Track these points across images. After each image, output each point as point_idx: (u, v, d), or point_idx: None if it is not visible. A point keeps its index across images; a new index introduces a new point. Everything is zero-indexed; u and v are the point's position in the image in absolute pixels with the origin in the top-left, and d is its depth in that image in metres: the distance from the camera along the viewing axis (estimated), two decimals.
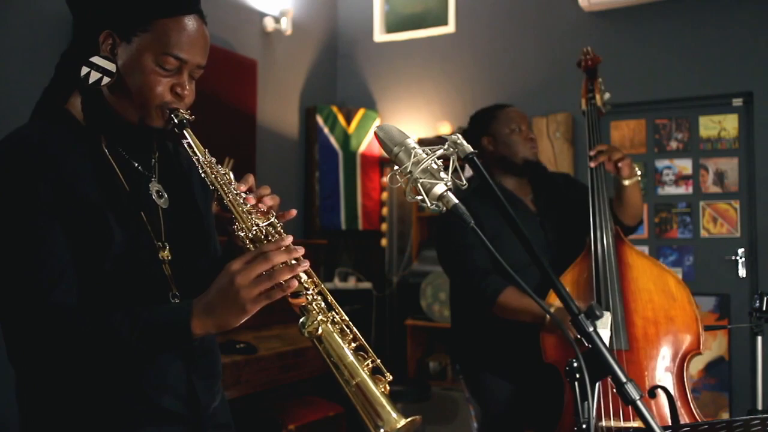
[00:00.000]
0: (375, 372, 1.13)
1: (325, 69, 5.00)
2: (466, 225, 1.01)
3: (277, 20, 4.39)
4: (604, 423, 1.93)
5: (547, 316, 2.04)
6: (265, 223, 1.18)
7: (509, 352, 2.26)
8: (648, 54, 4.11)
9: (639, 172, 2.35)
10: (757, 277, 3.86)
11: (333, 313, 1.15)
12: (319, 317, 1.11)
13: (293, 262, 1.10)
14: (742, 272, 3.94)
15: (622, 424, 1.93)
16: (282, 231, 1.20)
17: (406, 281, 4.63)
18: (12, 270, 1.11)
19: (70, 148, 1.17)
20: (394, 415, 1.07)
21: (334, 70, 5.11)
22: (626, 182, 2.30)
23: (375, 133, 1.13)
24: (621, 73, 4.06)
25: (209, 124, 3.65)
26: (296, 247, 1.12)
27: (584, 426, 0.96)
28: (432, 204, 1.03)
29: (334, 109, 4.76)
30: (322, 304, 1.14)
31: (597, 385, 0.98)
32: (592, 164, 2.26)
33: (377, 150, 4.82)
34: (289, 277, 1.08)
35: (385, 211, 4.86)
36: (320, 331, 1.10)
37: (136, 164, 1.26)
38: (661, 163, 4.20)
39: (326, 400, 3.64)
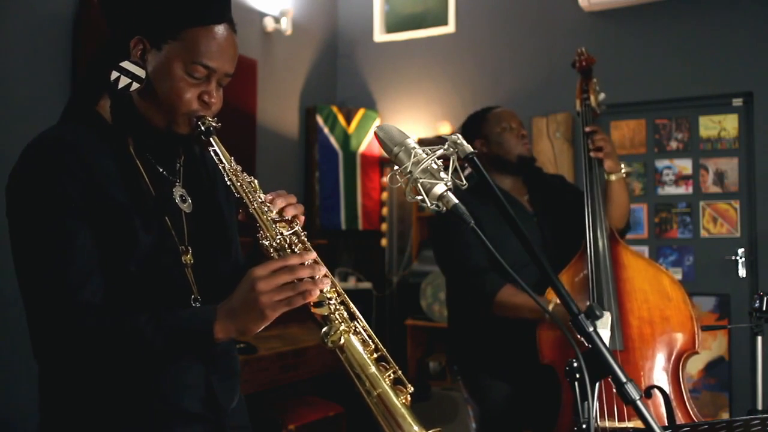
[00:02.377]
0: (396, 383, 1.14)
1: (325, 69, 5.00)
2: (466, 225, 1.01)
3: (277, 20, 4.39)
4: (601, 423, 1.93)
5: (549, 309, 2.04)
6: (289, 232, 1.19)
7: (506, 352, 2.26)
8: (648, 54, 4.11)
9: (624, 169, 2.32)
10: (757, 277, 3.86)
11: (355, 323, 1.16)
12: (342, 327, 1.11)
13: (317, 276, 1.11)
14: (742, 272, 3.94)
15: (617, 424, 1.93)
16: (306, 240, 1.21)
17: (406, 281, 4.63)
18: (41, 267, 1.12)
19: (100, 151, 1.19)
20: (415, 427, 1.08)
21: (334, 70, 5.11)
22: (612, 177, 2.27)
23: (375, 133, 1.13)
24: (621, 73, 4.06)
25: None
26: (320, 263, 1.14)
27: (584, 426, 0.96)
28: (432, 204, 1.03)
29: (334, 109, 4.76)
30: (345, 314, 1.14)
31: (596, 385, 0.98)
32: (593, 155, 2.26)
33: (377, 150, 4.82)
34: (312, 288, 1.09)
35: (385, 211, 4.86)
36: (342, 341, 1.10)
37: (161, 169, 1.28)
38: (661, 163, 4.20)
39: (326, 400, 3.64)
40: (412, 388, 1.14)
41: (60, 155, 1.14)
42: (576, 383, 0.97)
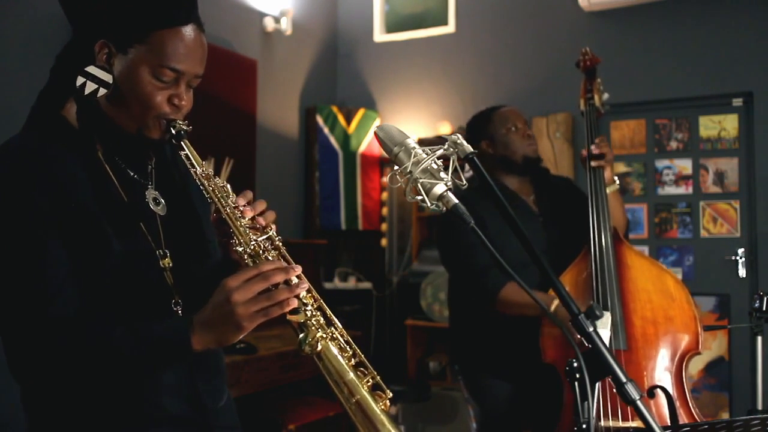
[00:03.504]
0: (375, 389, 1.13)
1: (325, 69, 5.00)
2: (466, 225, 1.01)
3: (277, 20, 4.39)
4: (602, 423, 1.93)
5: (551, 308, 2.04)
6: (263, 238, 1.18)
7: (508, 352, 2.26)
8: (648, 54, 4.11)
9: (617, 181, 2.31)
10: (757, 277, 3.86)
11: (332, 329, 1.14)
12: (319, 334, 1.10)
13: (294, 280, 1.10)
14: (742, 272, 3.94)
15: (620, 423, 1.93)
16: (280, 245, 1.20)
17: (406, 281, 4.63)
18: (11, 282, 1.10)
19: (67, 158, 1.16)
20: None
21: (334, 70, 5.11)
22: (607, 190, 2.27)
23: (375, 133, 1.13)
24: (621, 73, 4.06)
25: (209, 124, 3.66)
26: (295, 266, 1.12)
27: (584, 426, 0.96)
28: (432, 204, 1.03)
29: (334, 109, 4.76)
30: (322, 320, 1.13)
31: (597, 385, 0.98)
32: (594, 163, 2.25)
33: (377, 150, 4.82)
34: (288, 297, 1.08)
35: (385, 211, 4.86)
36: (320, 347, 1.09)
37: (132, 173, 1.25)
38: (661, 163, 4.20)
39: (326, 400, 3.64)
40: (391, 394, 1.13)
41: (25, 165, 1.11)
42: (576, 383, 0.97)
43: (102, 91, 1.16)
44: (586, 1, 4.11)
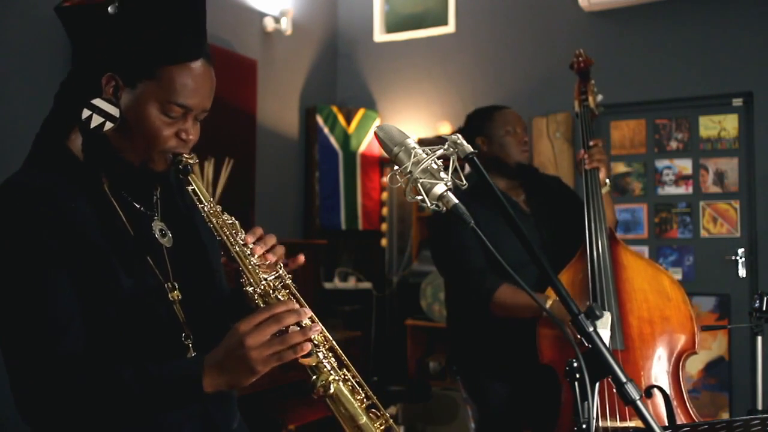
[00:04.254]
0: (387, 431, 1.14)
1: (325, 69, 5.00)
2: (466, 225, 1.01)
3: (277, 20, 4.39)
4: (600, 423, 1.93)
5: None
6: (272, 276, 1.16)
7: (506, 352, 2.26)
8: (648, 54, 4.11)
9: (608, 183, 2.30)
10: (757, 277, 3.86)
11: (344, 370, 1.14)
12: (332, 377, 1.10)
13: (306, 322, 1.10)
14: (742, 272, 3.94)
15: (618, 424, 1.93)
16: (290, 283, 1.19)
17: (406, 281, 4.63)
18: (19, 320, 1.08)
19: (72, 193, 1.14)
20: None
21: (334, 70, 5.11)
22: (602, 190, 2.27)
23: (375, 133, 1.13)
24: (621, 73, 4.06)
25: (209, 124, 3.65)
26: (306, 309, 1.12)
27: (584, 426, 0.96)
28: (432, 204, 1.03)
29: (334, 109, 4.76)
30: (334, 362, 1.13)
31: (596, 385, 0.98)
32: (588, 166, 2.25)
33: (377, 150, 4.82)
34: (301, 340, 1.07)
35: (385, 211, 4.86)
36: (332, 390, 1.09)
37: (138, 205, 1.24)
38: (661, 163, 4.20)
39: None
40: None
41: (30, 203, 1.09)
42: (576, 383, 0.97)
43: (108, 125, 1.14)
44: (586, 1, 4.11)
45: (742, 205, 3.99)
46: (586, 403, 0.96)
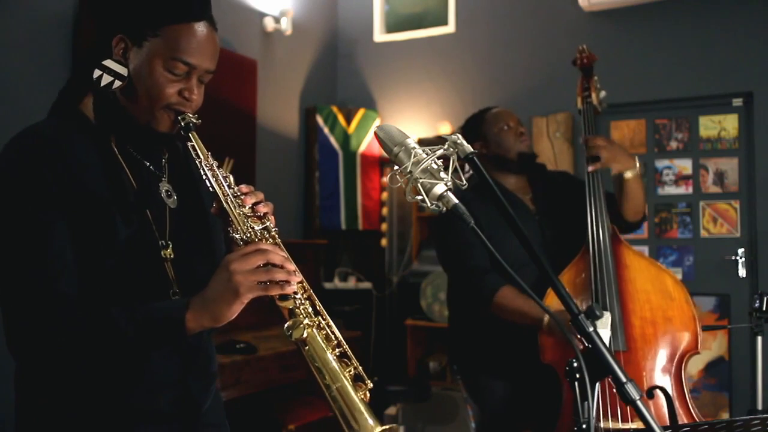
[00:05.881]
0: (357, 379, 1.15)
1: (325, 69, 5.00)
2: (466, 225, 1.01)
3: (277, 20, 4.39)
4: (602, 424, 1.93)
5: (544, 320, 2.05)
6: (260, 227, 1.20)
7: (507, 352, 2.26)
8: (648, 54, 4.11)
9: (638, 165, 2.27)
10: (757, 277, 3.86)
11: (319, 318, 1.17)
12: (305, 321, 1.13)
13: (290, 267, 1.13)
14: (742, 272, 3.94)
15: (620, 425, 1.92)
16: (276, 236, 1.21)
17: (406, 281, 4.63)
18: (18, 259, 1.12)
19: (80, 145, 1.20)
20: (370, 421, 1.08)
21: (334, 70, 5.11)
22: (628, 174, 2.24)
23: (375, 133, 1.13)
24: (621, 73, 4.06)
25: (209, 124, 3.64)
26: (289, 259, 1.15)
27: (584, 426, 0.96)
28: (432, 204, 1.03)
29: (334, 109, 4.76)
30: (309, 309, 1.16)
31: (596, 385, 0.98)
32: (590, 168, 2.24)
33: (377, 150, 4.82)
34: (285, 278, 1.10)
35: (385, 211, 4.86)
36: (305, 335, 1.12)
37: (148, 164, 1.29)
38: (661, 163, 4.20)
39: (326, 400, 3.63)
40: (372, 384, 1.16)
41: (39, 148, 1.15)
42: (576, 383, 0.97)
43: (117, 84, 1.20)
44: (586, 1, 4.11)
45: (742, 205, 3.99)
46: (586, 403, 0.96)
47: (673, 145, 4.17)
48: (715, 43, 3.95)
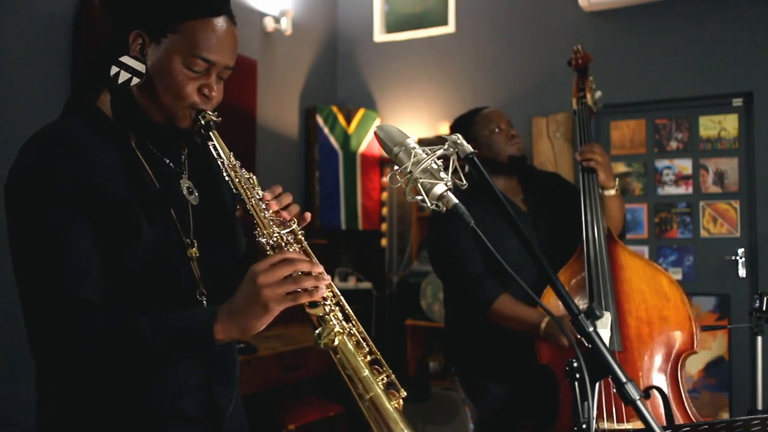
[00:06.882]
0: (389, 387, 1.13)
1: (325, 69, 5.00)
2: (467, 225, 1.01)
3: (277, 20, 4.39)
4: (600, 425, 1.93)
5: (542, 327, 2.06)
6: (286, 231, 1.18)
7: (504, 354, 2.26)
8: (648, 54, 4.11)
9: (616, 184, 2.28)
10: (757, 277, 3.86)
11: (350, 324, 1.15)
12: (336, 328, 1.10)
13: (318, 272, 1.11)
14: (742, 272, 3.93)
15: (615, 425, 1.92)
16: (303, 239, 1.20)
17: (406, 281, 4.63)
18: (39, 263, 1.09)
19: (99, 144, 1.17)
20: (406, 431, 1.06)
21: (334, 70, 5.11)
22: (606, 192, 2.25)
23: (375, 133, 1.13)
24: (621, 73, 4.06)
25: None
26: (317, 262, 1.13)
27: (584, 426, 0.96)
28: (432, 204, 1.03)
29: (334, 109, 4.76)
30: (340, 316, 1.14)
31: (596, 385, 0.98)
32: (579, 157, 2.24)
33: (377, 150, 4.82)
34: (314, 285, 1.08)
35: (385, 211, 4.86)
36: (336, 342, 1.09)
37: (168, 161, 1.27)
38: (661, 163, 4.20)
39: (326, 400, 3.64)
40: (405, 393, 1.13)
41: (58, 150, 1.12)
42: (576, 383, 0.97)
43: (135, 80, 1.17)
44: (586, 1, 4.11)
45: (742, 205, 3.99)
46: (585, 403, 0.96)
47: (673, 145, 4.17)
48: (715, 43, 3.95)
